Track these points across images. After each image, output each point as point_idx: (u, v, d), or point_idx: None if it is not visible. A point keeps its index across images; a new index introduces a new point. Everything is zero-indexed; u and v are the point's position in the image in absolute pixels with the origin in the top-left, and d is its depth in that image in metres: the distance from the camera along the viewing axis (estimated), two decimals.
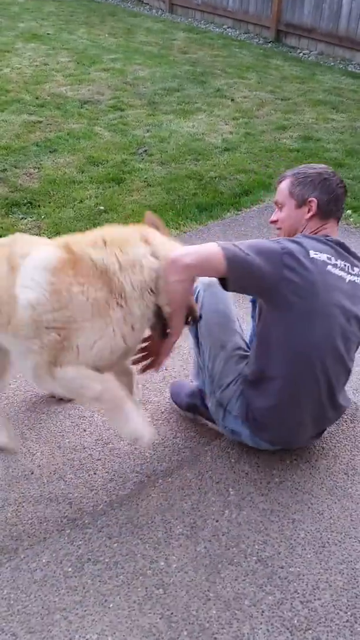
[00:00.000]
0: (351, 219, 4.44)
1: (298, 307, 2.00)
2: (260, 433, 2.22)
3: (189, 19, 10.42)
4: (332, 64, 8.26)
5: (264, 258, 1.92)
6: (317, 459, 2.34)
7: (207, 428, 2.51)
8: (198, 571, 1.92)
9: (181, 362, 2.93)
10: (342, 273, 2.07)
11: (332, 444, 2.43)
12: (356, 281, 2.11)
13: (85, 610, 1.81)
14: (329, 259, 2.05)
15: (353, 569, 1.95)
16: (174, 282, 1.86)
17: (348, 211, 4.49)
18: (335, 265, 2.05)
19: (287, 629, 1.78)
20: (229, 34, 9.62)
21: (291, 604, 1.85)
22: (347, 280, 2.08)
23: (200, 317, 2.21)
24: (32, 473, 2.38)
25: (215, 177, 4.94)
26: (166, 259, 1.87)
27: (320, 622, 1.80)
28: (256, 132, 5.86)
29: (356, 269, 2.13)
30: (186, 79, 7.23)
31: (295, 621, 1.81)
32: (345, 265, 2.09)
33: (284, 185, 2.24)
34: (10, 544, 2.09)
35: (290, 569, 1.95)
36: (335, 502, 2.17)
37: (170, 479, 2.23)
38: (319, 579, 1.92)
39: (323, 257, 2.04)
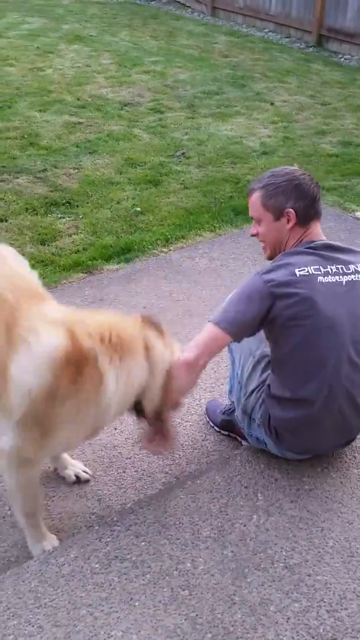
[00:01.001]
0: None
1: (302, 329, 2.01)
2: (282, 443, 2.22)
3: (231, 23, 10.42)
4: None
5: (254, 303, 2.00)
6: (349, 468, 2.31)
7: None
8: (224, 574, 1.92)
9: (215, 380, 2.91)
10: (336, 278, 2.04)
11: None
12: (354, 279, 2.07)
13: (111, 607, 1.82)
14: (318, 269, 2.02)
15: None
16: (188, 380, 2.03)
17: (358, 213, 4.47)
18: (326, 273, 2.03)
19: (313, 637, 1.76)
20: (270, 37, 9.59)
21: (317, 612, 1.83)
22: (343, 282, 2.04)
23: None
24: None
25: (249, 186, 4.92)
26: (175, 364, 1.94)
27: (346, 633, 1.77)
28: (295, 137, 5.82)
29: (352, 267, 2.08)
30: (226, 82, 7.24)
31: (321, 630, 1.79)
32: (337, 268, 2.06)
33: (256, 200, 2.15)
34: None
35: (318, 577, 1.93)
36: None
37: (198, 481, 2.23)
38: (346, 588, 1.89)
39: (310, 270, 2.01)
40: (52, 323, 1.77)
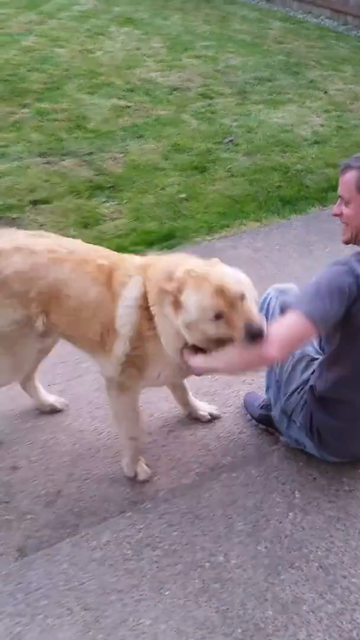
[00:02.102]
0: None
1: None
2: (325, 448, 2.16)
3: (286, 8, 10.17)
4: None
5: (342, 297, 1.86)
6: None
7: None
8: (257, 570, 1.88)
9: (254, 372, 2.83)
10: None
11: None
12: None
13: (141, 595, 1.81)
14: None
15: None
16: (247, 366, 1.92)
17: None
18: None
19: None
20: (327, 24, 9.32)
21: (351, 615, 1.78)
22: None
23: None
24: (98, 452, 2.41)
25: (302, 171, 4.81)
26: (250, 352, 1.80)
27: None
28: (349, 127, 5.65)
29: None
30: (279, 69, 7.07)
31: (354, 634, 1.74)
32: None
33: (351, 179, 1.98)
34: (72, 520, 2.13)
35: (353, 580, 1.87)
36: None
37: (234, 474, 2.20)
38: None
39: None
40: (132, 276, 2.04)
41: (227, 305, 1.76)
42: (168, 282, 1.89)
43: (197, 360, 1.91)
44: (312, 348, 2.26)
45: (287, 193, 4.48)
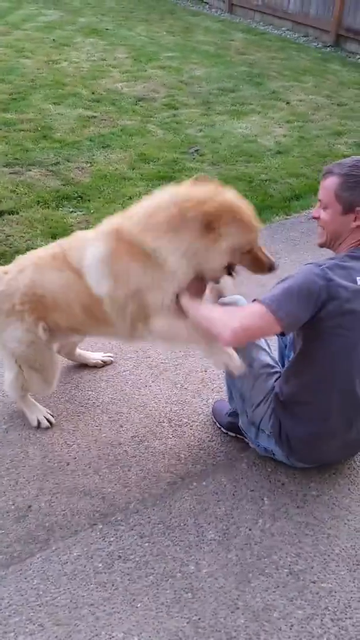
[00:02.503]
0: None
1: (343, 340, 1.96)
2: (294, 454, 2.19)
3: (248, 20, 10.35)
4: None
5: (311, 299, 1.88)
6: (357, 475, 2.28)
7: None
8: (228, 578, 1.90)
9: (223, 380, 2.86)
10: None
11: None
12: None
13: (112, 608, 1.81)
14: None
15: None
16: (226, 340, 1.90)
17: None
18: None
19: None
20: (288, 36, 9.52)
21: (321, 620, 1.81)
22: None
23: None
24: (68, 464, 2.40)
25: (266, 180, 4.89)
26: (214, 323, 1.92)
27: None
28: (310, 137, 5.77)
29: None
30: (242, 79, 7.19)
31: (325, 638, 1.77)
32: None
33: (331, 185, 2.01)
34: (42, 534, 2.11)
35: (323, 585, 1.91)
36: None
37: (204, 483, 2.21)
38: (351, 597, 1.87)
39: None
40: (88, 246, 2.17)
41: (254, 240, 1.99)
42: (201, 207, 1.92)
43: (192, 305, 1.99)
44: (269, 358, 2.27)
45: (252, 202, 4.51)
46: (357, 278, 1.93)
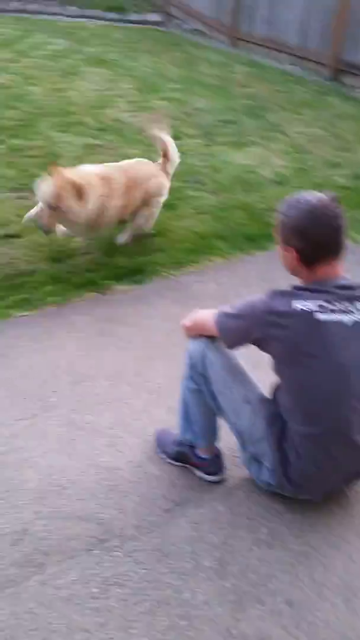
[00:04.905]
0: None
1: (301, 364, 2.02)
2: (299, 489, 2.19)
3: (251, 54, 10.60)
4: None
5: (248, 320, 2.07)
6: (352, 504, 2.29)
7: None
8: (223, 606, 1.90)
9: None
10: (341, 317, 1.98)
11: None
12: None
13: (107, 634, 1.80)
14: (322, 306, 1.97)
15: None
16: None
17: None
18: (332, 311, 1.97)
19: None
20: (289, 70, 9.75)
21: None
22: (350, 323, 1.99)
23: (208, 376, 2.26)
24: (65, 489, 2.40)
25: (265, 209, 4.97)
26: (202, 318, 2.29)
27: None
28: (308, 168, 5.89)
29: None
30: (243, 112, 7.34)
31: None
32: (347, 306, 2.00)
33: (276, 221, 2.12)
34: (39, 558, 2.11)
35: (318, 614, 1.91)
36: None
37: (201, 510, 2.22)
38: (347, 627, 1.87)
39: (312, 306, 1.97)
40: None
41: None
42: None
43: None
44: (262, 391, 2.28)
45: (251, 230, 4.62)
46: (295, 302, 1.99)
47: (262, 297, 2.08)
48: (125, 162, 4.11)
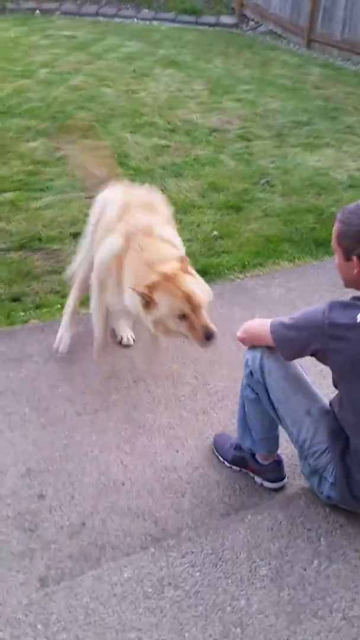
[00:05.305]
0: None
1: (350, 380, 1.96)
2: (358, 503, 2.11)
3: (326, 55, 10.38)
4: None
5: (306, 333, 2.00)
6: None
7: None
8: (279, 617, 1.85)
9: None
10: None
11: None
12: None
13: (160, 635, 1.79)
14: None
15: None
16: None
17: None
18: None
19: None
20: None
21: None
22: None
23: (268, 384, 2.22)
24: (123, 485, 2.42)
25: (336, 213, 4.84)
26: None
27: None
28: None
29: None
30: (317, 113, 7.19)
31: None
32: None
33: (334, 231, 2.03)
34: (95, 552, 2.14)
35: None
36: None
37: (259, 517, 2.17)
38: None
39: None
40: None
41: (191, 308, 2.33)
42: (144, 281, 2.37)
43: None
44: (327, 402, 2.21)
45: (321, 235, 4.51)
46: (357, 314, 1.91)
47: (321, 307, 1.99)
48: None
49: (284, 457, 2.46)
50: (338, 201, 5.03)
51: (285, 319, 2.08)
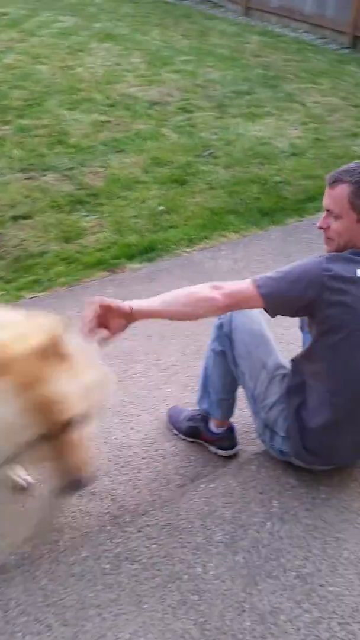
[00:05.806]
0: None
1: (350, 332, 1.93)
2: (314, 457, 2.16)
3: (264, 23, 10.32)
4: None
5: (303, 284, 1.89)
6: None
7: (254, 436, 2.45)
8: (235, 581, 1.89)
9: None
10: None
11: None
12: None
13: (119, 609, 1.81)
14: None
15: None
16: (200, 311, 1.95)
17: None
18: None
19: None
20: (304, 38, 9.48)
21: (329, 624, 1.80)
22: None
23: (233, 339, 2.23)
24: None
25: (280, 182, 4.88)
26: (200, 292, 1.92)
27: None
28: (326, 138, 5.74)
29: None
30: (257, 82, 7.18)
31: None
32: None
33: (341, 193, 1.95)
34: (52, 535, 2.13)
35: (330, 589, 1.89)
36: None
37: (213, 485, 2.21)
38: (359, 601, 1.85)
39: None
40: None
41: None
42: None
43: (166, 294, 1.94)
44: (281, 359, 2.25)
45: (266, 205, 4.54)
46: (358, 270, 1.91)
47: (317, 260, 1.93)
48: None
49: (236, 426, 2.50)
50: (280, 170, 5.07)
51: (271, 273, 1.94)
